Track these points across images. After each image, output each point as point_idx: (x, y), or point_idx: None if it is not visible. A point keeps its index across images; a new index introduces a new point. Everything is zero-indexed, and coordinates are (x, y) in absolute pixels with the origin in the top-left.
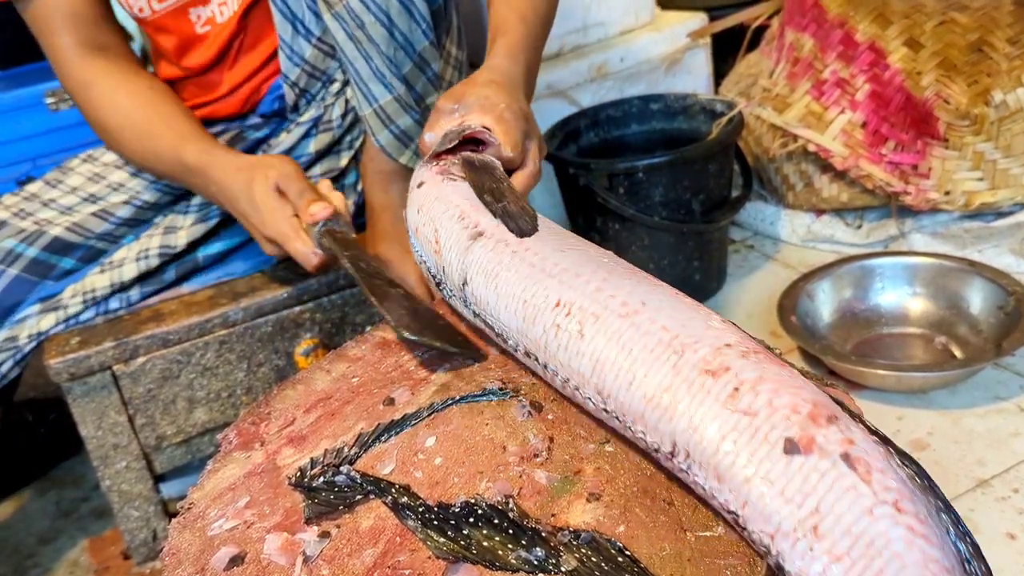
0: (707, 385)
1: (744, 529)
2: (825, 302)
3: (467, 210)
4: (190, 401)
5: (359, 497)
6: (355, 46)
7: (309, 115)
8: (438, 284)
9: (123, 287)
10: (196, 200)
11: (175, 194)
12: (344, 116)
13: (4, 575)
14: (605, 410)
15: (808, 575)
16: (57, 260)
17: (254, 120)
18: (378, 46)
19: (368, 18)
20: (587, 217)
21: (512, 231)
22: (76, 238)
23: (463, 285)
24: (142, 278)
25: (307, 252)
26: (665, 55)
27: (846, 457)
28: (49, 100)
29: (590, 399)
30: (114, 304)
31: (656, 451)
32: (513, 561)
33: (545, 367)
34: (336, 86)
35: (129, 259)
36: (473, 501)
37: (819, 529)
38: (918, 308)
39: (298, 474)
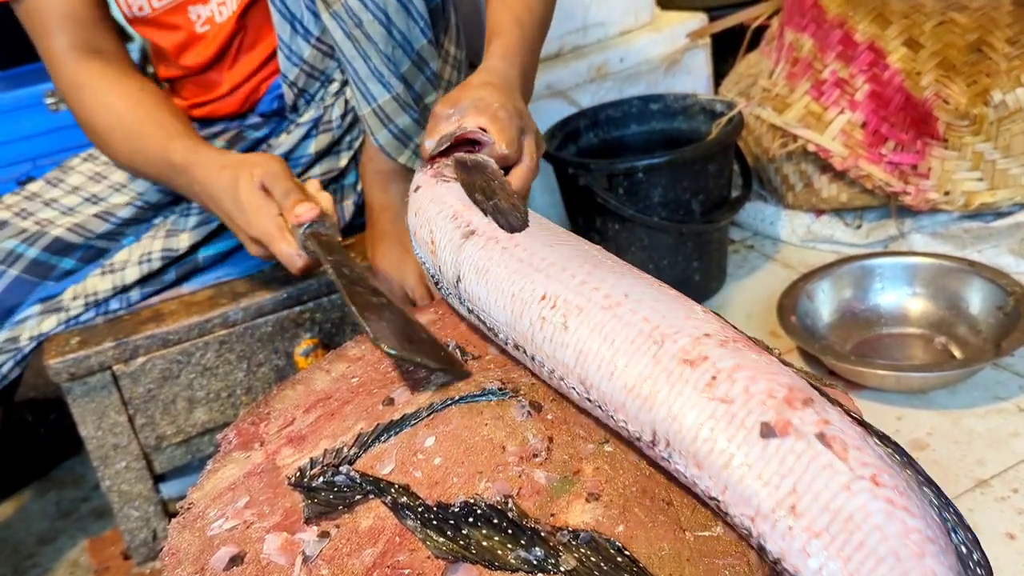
0: (686, 374)
1: (726, 514)
2: (825, 302)
3: (460, 210)
4: (190, 401)
5: (358, 497)
6: (353, 45)
7: (309, 116)
8: (436, 283)
9: (124, 289)
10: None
11: (175, 193)
12: (343, 116)
13: (4, 575)
14: (588, 399)
15: (789, 553)
16: (57, 261)
17: (254, 119)
18: (376, 45)
19: (366, 16)
20: (587, 217)
21: (503, 227)
22: (77, 239)
23: (457, 282)
24: (143, 279)
25: (291, 254)
26: (665, 55)
27: (821, 437)
28: (49, 100)
29: (574, 389)
30: (114, 305)
31: (638, 440)
32: (512, 561)
33: (532, 359)
34: (335, 86)
35: (131, 262)
36: (472, 501)
37: (797, 508)
38: (918, 308)
39: (298, 474)
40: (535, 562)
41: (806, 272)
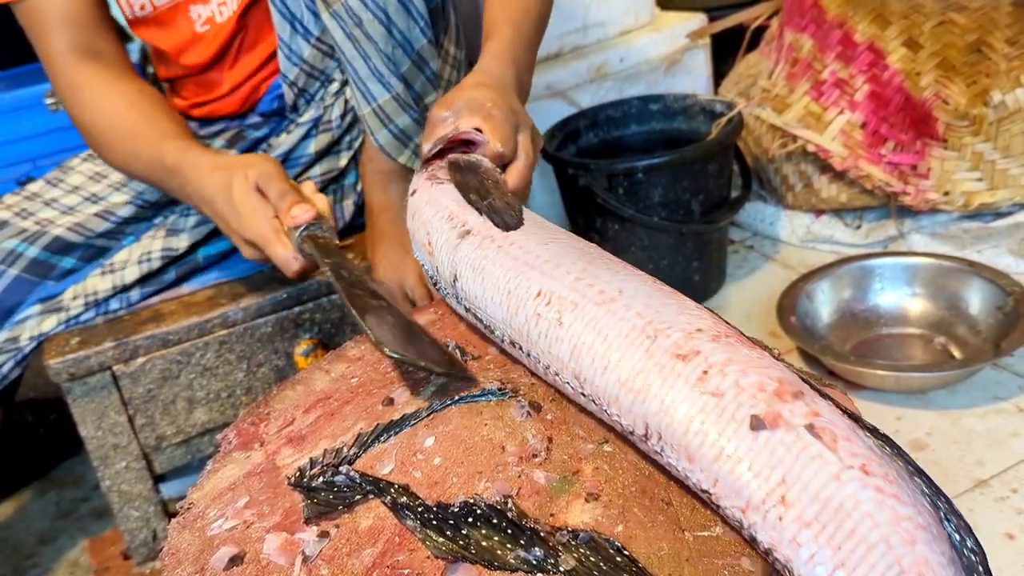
0: (677, 368)
1: (718, 506)
2: (824, 302)
3: (455, 210)
4: (190, 401)
5: (358, 497)
6: (353, 45)
7: (309, 116)
8: (435, 284)
9: (124, 288)
10: None
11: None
12: (343, 116)
13: (4, 575)
14: (583, 394)
15: (781, 543)
16: (58, 260)
17: (254, 119)
18: (376, 44)
19: (366, 16)
20: (587, 217)
21: (498, 226)
22: (77, 238)
23: (454, 281)
24: (143, 279)
25: (287, 257)
26: (664, 55)
27: (811, 428)
28: (49, 101)
29: (568, 384)
30: (114, 304)
31: (631, 434)
32: (512, 561)
33: (528, 355)
34: (335, 86)
35: (131, 262)
36: (472, 501)
37: (787, 498)
38: (917, 308)
39: (297, 474)
40: (534, 562)
41: (806, 272)
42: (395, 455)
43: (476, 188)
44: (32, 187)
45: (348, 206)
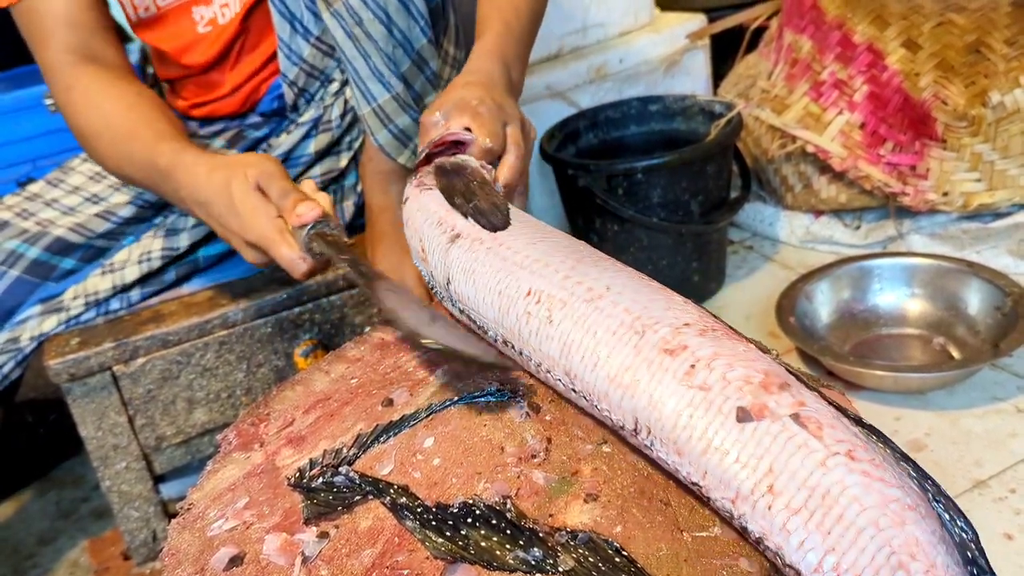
0: (665, 363)
1: (708, 498)
2: (823, 303)
3: (444, 216)
4: (190, 402)
5: (358, 498)
6: (353, 44)
7: (308, 116)
8: (431, 288)
9: (124, 288)
10: None
11: None
12: (343, 116)
13: (4, 575)
14: (573, 390)
15: (771, 532)
16: (58, 261)
17: (254, 119)
18: (376, 44)
19: (366, 15)
20: (586, 218)
21: (485, 228)
22: (78, 238)
23: (447, 284)
24: (143, 279)
25: (293, 257)
26: (664, 56)
27: (796, 417)
28: (49, 101)
29: (560, 381)
30: (115, 304)
31: (621, 428)
32: (511, 561)
33: (521, 353)
34: (335, 86)
35: (131, 261)
36: (471, 501)
37: (775, 487)
38: (916, 309)
39: (297, 475)
40: (533, 562)
41: (805, 273)
42: (394, 456)
43: (462, 191)
44: (33, 188)
45: (348, 207)
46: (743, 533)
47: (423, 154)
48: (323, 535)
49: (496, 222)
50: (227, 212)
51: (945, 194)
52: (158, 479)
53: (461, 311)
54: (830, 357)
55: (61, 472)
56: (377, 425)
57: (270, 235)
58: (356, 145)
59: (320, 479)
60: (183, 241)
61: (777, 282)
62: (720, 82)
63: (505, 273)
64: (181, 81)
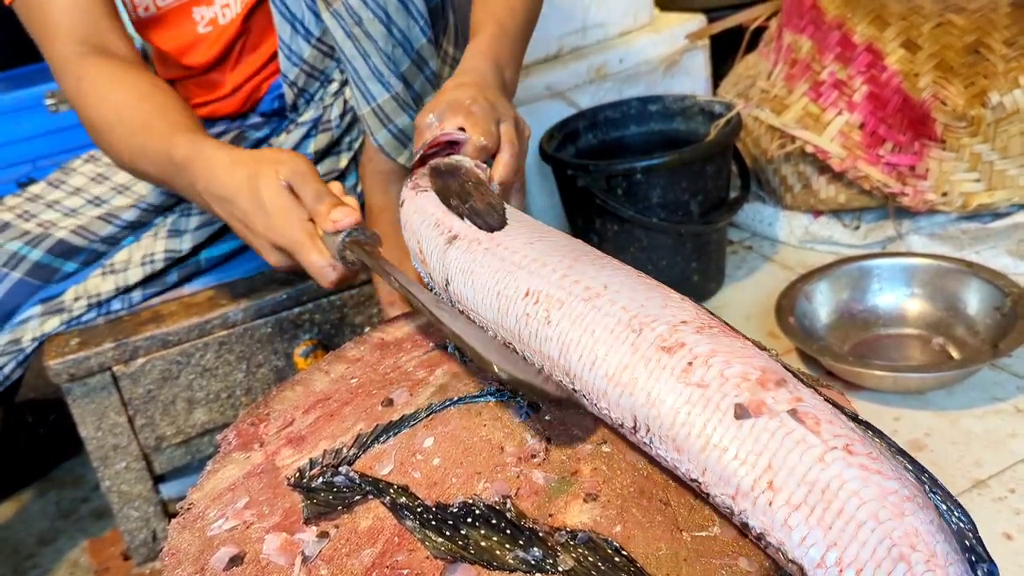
0: (663, 361)
1: (708, 495)
2: (823, 303)
3: (440, 217)
4: (189, 402)
5: (358, 497)
6: (353, 44)
7: (308, 116)
8: (431, 290)
9: (127, 289)
10: None
11: (179, 196)
12: (343, 116)
13: (4, 575)
14: (573, 390)
15: (772, 528)
16: (61, 264)
17: (254, 119)
18: (376, 43)
19: (366, 15)
20: (586, 218)
21: (482, 228)
22: (81, 241)
23: (446, 286)
24: (145, 280)
25: (324, 265)
26: (664, 56)
27: (794, 413)
28: (49, 101)
29: (560, 381)
30: (116, 305)
31: (620, 427)
32: (511, 561)
33: (521, 355)
34: (335, 86)
35: (133, 263)
36: (471, 501)
37: (774, 483)
38: (915, 309)
39: (297, 475)
40: (533, 562)
41: (804, 273)
42: (394, 456)
43: (457, 193)
44: (34, 188)
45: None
46: (744, 529)
47: (418, 156)
48: (323, 535)
49: (492, 222)
50: (254, 211)
51: (944, 194)
52: (158, 479)
53: (461, 312)
54: (829, 357)
55: (61, 472)
56: (377, 425)
57: (300, 239)
58: (356, 145)
59: (320, 479)
60: (186, 243)
61: (776, 282)
62: (720, 82)
63: (503, 273)
64: (182, 81)
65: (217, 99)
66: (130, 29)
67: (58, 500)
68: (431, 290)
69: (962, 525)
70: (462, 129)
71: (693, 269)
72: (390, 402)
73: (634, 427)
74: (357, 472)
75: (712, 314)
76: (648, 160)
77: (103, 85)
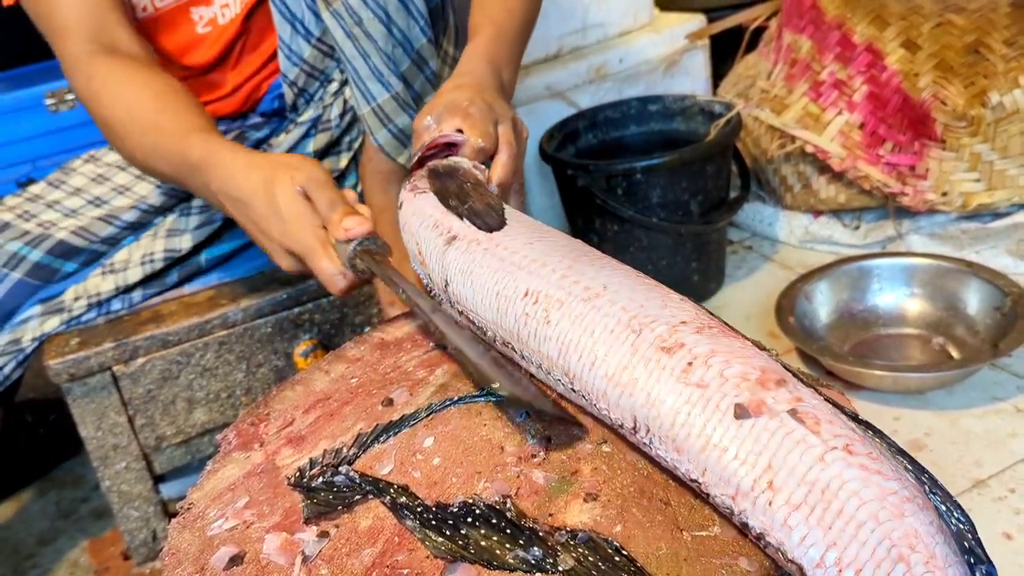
0: (663, 361)
1: (708, 495)
2: (823, 303)
3: (439, 218)
4: (189, 402)
5: (358, 497)
6: (353, 44)
7: (308, 115)
8: (430, 291)
9: (127, 289)
10: (198, 202)
11: (179, 196)
12: (342, 116)
13: (4, 575)
14: (573, 390)
15: (772, 528)
16: (61, 264)
17: (255, 119)
18: (376, 43)
19: (366, 14)
20: (586, 218)
21: (481, 229)
22: (81, 242)
23: (445, 287)
24: (145, 280)
25: (334, 272)
26: (664, 56)
27: (794, 413)
28: (49, 101)
29: (560, 381)
30: (116, 305)
31: (620, 427)
32: (511, 560)
33: (520, 354)
34: (334, 86)
35: (133, 262)
36: (471, 501)
37: (774, 483)
38: (915, 309)
39: (297, 474)
40: (533, 562)
41: (804, 273)
42: (394, 455)
43: (455, 193)
44: (34, 189)
45: None
46: (743, 529)
47: (416, 158)
48: (323, 534)
49: (491, 223)
50: (268, 215)
51: (944, 194)
52: (158, 479)
53: (460, 312)
54: (829, 357)
55: (61, 472)
56: (377, 425)
57: (312, 246)
58: (356, 145)
59: (320, 479)
60: (186, 243)
61: (776, 282)
62: (720, 82)
63: (503, 274)
64: (182, 82)
65: (217, 99)
66: None
67: (58, 500)
68: (430, 291)
69: (961, 526)
70: (460, 131)
71: (693, 269)
72: (390, 402)
73: (634, 428)
74: (357, 472)
75: (712, 314)
76: (648, 160)
77: (115, 84)
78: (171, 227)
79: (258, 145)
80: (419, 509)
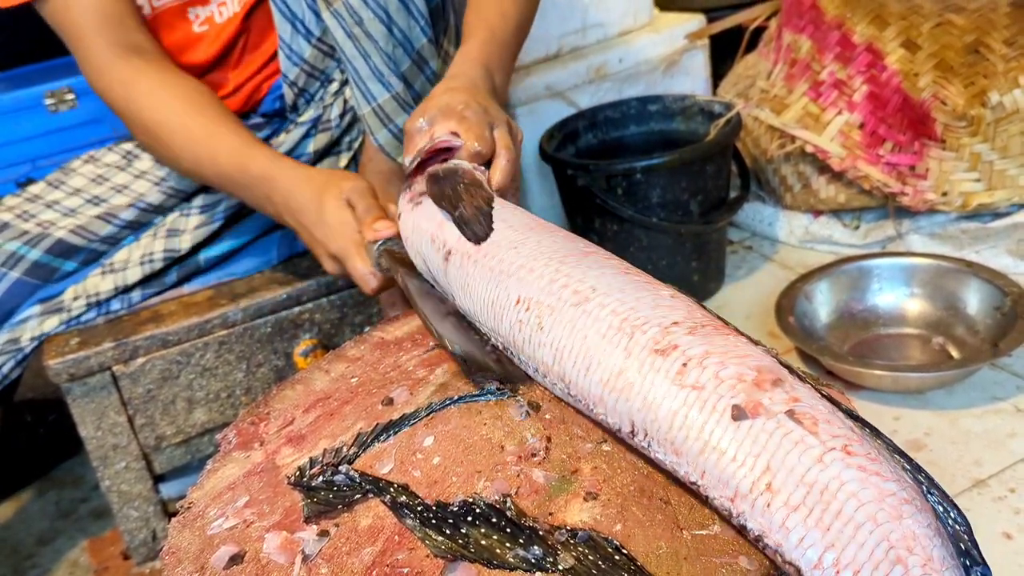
0: (657, 364)
1: (707, 497)
2: (823, 303)
3: (434, 232)
4: (189, 401)
5: (358, 496)
6: (354, 44)
7: (308, 115)
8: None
9: (126, 289)
10: (198, 202)
11: (179, 196)
12: (342, 116)
13: (4, 575)
14: (570, 395)
15: (771, 530)
16: (60, 263)
17: (256, 120)
18: (377, 43)
19: (367, 15)
20: (586, 218)
21: (469, 239)
22: (80, 241)
23: (453, 301)
24: (144, 280)
25: (365, 272)
26: (663, 56)
27: (791, 414)
28: (49, 101)
29: (556, 386)
30: (115, 305)
31: (618, 431)
32: (511, 559)
33: (520, 360)
34: (335, 86)
35: (132, 262)
36: (471, 500)
37: (773, 485)
38: (915, 309)
39: (297, 473)
40: (533, 561)
41: (804, 273)
42: (394, 454)
43: (448, 197)
44: (33, 189)
45: None
46: (742, 531)
47: (415, 163)
48: (323, 533)
49: (479, 231)
50: (317, 221)
51: (944, 194)
52: (158, 479)
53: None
54: (829, 357)
55: (61, 472)
56: (377, 424)
57: (348, 248)
58: (356, 145)
59: (320, 478)
60: (185, 242)
61: (776, 282)
62: (719, 82)
63: (494, 284)
64: None
65: (220, 98)
66: None
67: (58, 500)
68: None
69: (958, 527)
70: (455, 134)
71: (693, 269)
72: (390, 401)
73: (632, 432)
74: (357, 471)
75: (705, 308)
76: (648, 160)
77: (149, 89)
78: (171, 227)
79: None
80: (419, 508)
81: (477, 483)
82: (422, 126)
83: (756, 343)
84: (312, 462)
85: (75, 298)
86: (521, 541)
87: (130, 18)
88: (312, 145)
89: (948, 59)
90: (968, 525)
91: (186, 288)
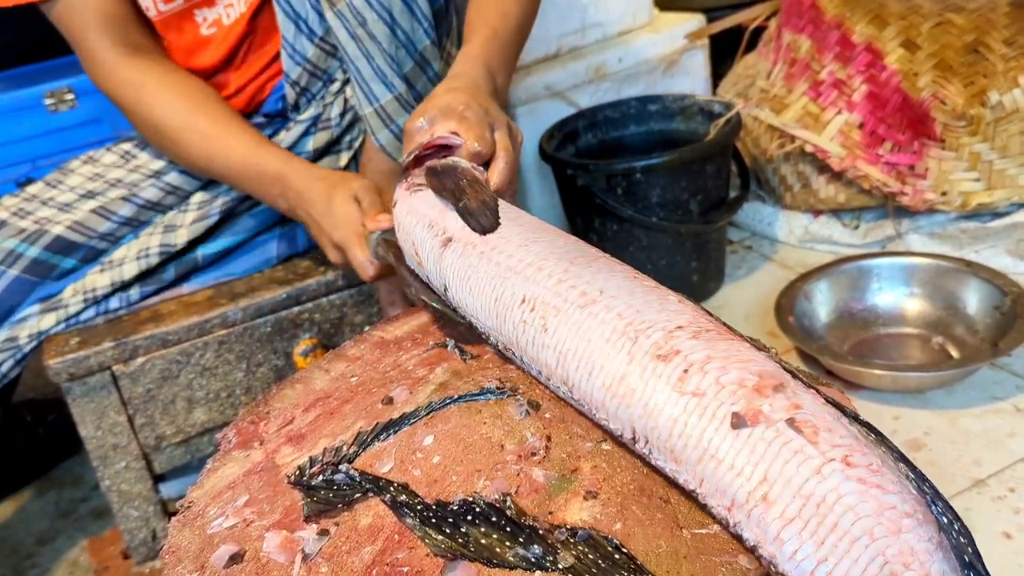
0: (659, 370)
1: (705, 505)
2: (822, 302)
3: (434, 218)
4: (189, 401)
5: (358, 495)
6: (357, 45)
7: (308, 113)
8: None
9: (123, 286)
10: (195, 199)
11: (177, 194)
12: (343, 115)
13: (4, 575)
14: (572, 398)
15: (765, 540)
16: (58, 260)
17: (258, 120)
18: (380, 44)
19: (370, 15)
20: (585, 218)
21: (475, 229)
22: (78, 237)
23: (445, 291)
24: (142, 277)
25: (364, 261)
26: (663, 56)
27: (791, 422)
28: (48, 101)
29: (559, 388)
30: (114, 303)
31: (620, 437)
32: (511, 558)
33: (521, 360)
34: (336, 85)
35: (129, 258)
36: (471, 499)
37: (769, 496)
38: (915, 308)
39: (297, 472)
40: (533, 560)
41: (804, 272)
42: (394, 453)
43: (451, 190)
44: (31, 189)
45: None
46: (738, 540)
47: (412, 155)
48: (323, 532)
49: (485, 223)
50: (325, 214)
51: (944, 193)
52: (158, 478)
53: (462, 317)
54: (829, 357)
55: (61, 472)
56: (377, 423)
57: (350, 237)
58: (356, 144)
59: (320, 477)
60: (181, 237)
61: (776, 282)
62: (719, 82)
63: (500, 280)
64: None
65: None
66: None
67: (57, 500)
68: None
69: (962, 540)
70: (455, 134)
71: (693, 269)
72: (390, 400)
73: (633, 438)
74: (357, 470)
75: (710, 314)
76: (648, 160)
77: (155, 88)
78: (168, 224)
79: None
80: (419, 507)
81: (477, 482)
82: (422, 125)
83: (761, 348)
84: (312, 461)
85: (73, 295)
86: (521, 540)
87: (133, 19)
88: (312, 143)
89: (948, 59)
90: (971, 537)
91: (185, 288)
